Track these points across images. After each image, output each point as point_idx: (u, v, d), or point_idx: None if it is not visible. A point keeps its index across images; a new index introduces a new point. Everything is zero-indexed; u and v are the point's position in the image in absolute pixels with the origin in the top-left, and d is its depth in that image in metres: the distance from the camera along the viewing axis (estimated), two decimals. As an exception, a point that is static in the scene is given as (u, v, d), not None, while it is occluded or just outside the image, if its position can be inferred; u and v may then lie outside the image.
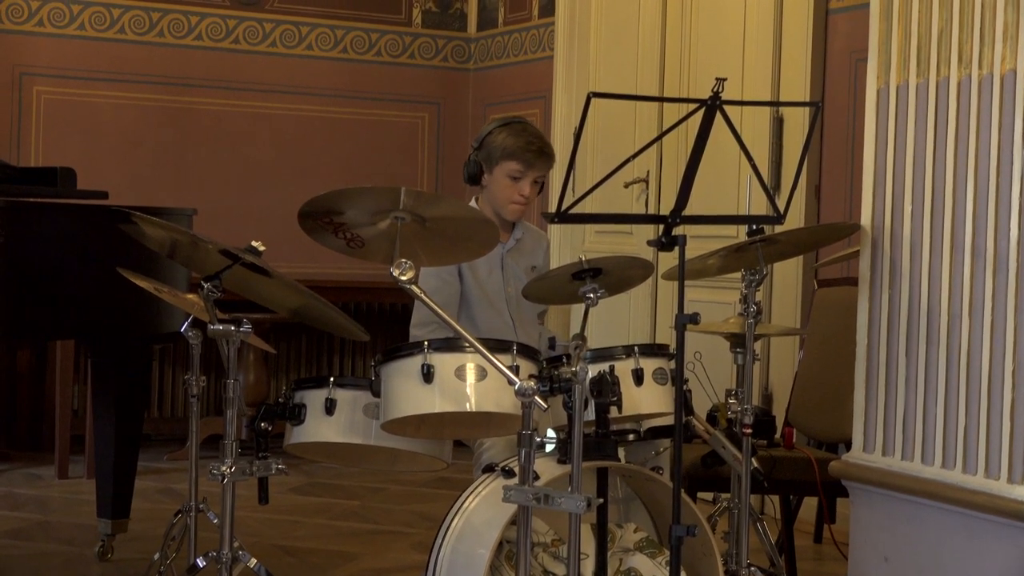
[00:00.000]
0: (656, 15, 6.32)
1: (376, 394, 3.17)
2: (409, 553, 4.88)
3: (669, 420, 3.38)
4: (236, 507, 3.26)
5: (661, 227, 3.18)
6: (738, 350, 3.62)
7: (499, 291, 3.92)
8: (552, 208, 3.19)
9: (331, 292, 4.12)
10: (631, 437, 3.49)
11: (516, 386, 2.77)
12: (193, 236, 3.29)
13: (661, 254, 3.88)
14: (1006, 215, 3.20)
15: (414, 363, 3.06)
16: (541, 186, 3.93)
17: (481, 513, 3.23)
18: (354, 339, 3.44)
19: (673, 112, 5.87)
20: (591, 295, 3.09)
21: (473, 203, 3.93)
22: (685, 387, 3.25)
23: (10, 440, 6.76)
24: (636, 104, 6.32)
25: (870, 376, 3.56)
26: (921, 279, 3.42)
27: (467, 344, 2.98)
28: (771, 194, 3.37)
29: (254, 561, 3.35)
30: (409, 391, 3.07)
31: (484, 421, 3.27)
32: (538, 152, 3.85)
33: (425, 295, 2.93)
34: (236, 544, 3.28)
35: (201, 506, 3.77)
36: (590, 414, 3.13)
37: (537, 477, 2.89)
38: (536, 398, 2.75)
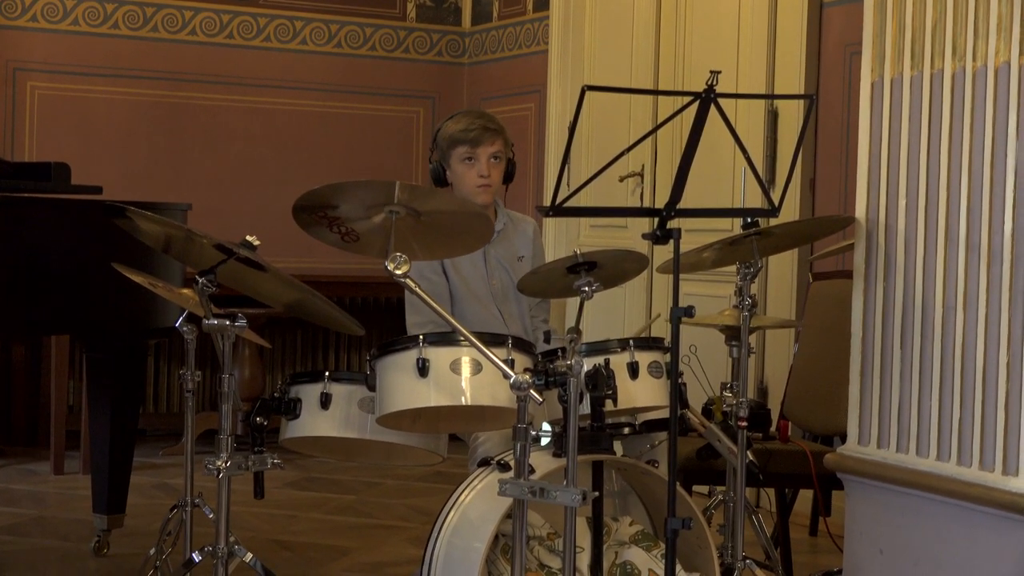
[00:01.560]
0: (650, 8, 6.32)
1: (371, 388, 3.17)
2: (405, 547, 4.88)
3: (664, 413, 3.38)
4: (232, 502, 3.26)
5: (656, 220, 3.17)
6: (733, 343, 3.63)
7: (483, 284, 3.92)
8: (547, 201, 3.19)
9: (326, 286, 4.13)
10: (626, 430, 3.49)
11: (511, 380, 2.76)
12: (188, 231, 3.29)
13: (656, 247, 3.89)
14: (1000, 208, 3.20)
15: (409, 357, 3.06)
16: (509, 165, 3.90)
17: (477, 507, 3.24)
18: (349, 333, 3.44)
19: (668, 105, 5.87)
20: (586, 288, 3.09)
21: None
22: (680, 380, 3.25)
23: (5, 436, 6.76)
24: (630, 97, 6.32)
25: (865, 369, 3.56)
26: (916, 272, 3.42)
27: (462, 338, 2.98)
28: (766, 187, 3.37)
29: (250, 556, 3.36)
30: (404, 385, 3.07)
31: (479, 415, 3.27)
32: (481, 129, 3.85)
33: (420, 289, 2.93)
34: (232, 539, 3.29)
35: (197, 501, 3.77)
36: (585, 408, 3.14)
37: (532, 471, 2.89)
38: (531, 392, 2.75)
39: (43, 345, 6.61)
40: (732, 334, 3.64)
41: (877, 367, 3.52)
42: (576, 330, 2.97)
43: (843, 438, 3.70)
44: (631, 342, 3.34)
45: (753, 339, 3.62)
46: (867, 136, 3.57)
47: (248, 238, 3.17)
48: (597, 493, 3.26)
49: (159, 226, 3.37)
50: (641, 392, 3.32)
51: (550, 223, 6.80)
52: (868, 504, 3.54)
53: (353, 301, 7.27)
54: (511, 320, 3.92)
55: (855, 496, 3.59)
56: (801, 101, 5.26)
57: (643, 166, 6.28)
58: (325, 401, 3.26)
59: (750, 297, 3.50)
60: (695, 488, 4.25)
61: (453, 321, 2.93)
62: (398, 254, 2.89)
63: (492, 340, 3.04)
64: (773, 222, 3.63)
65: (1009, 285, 3.18)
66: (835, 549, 4.26)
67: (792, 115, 5.50)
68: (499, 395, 3.02)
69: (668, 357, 3.27)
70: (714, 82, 3.06)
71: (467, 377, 3.04)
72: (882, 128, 3.53)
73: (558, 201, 3.06)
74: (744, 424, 3.48)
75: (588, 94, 2.95)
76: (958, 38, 3.32)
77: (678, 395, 3.16)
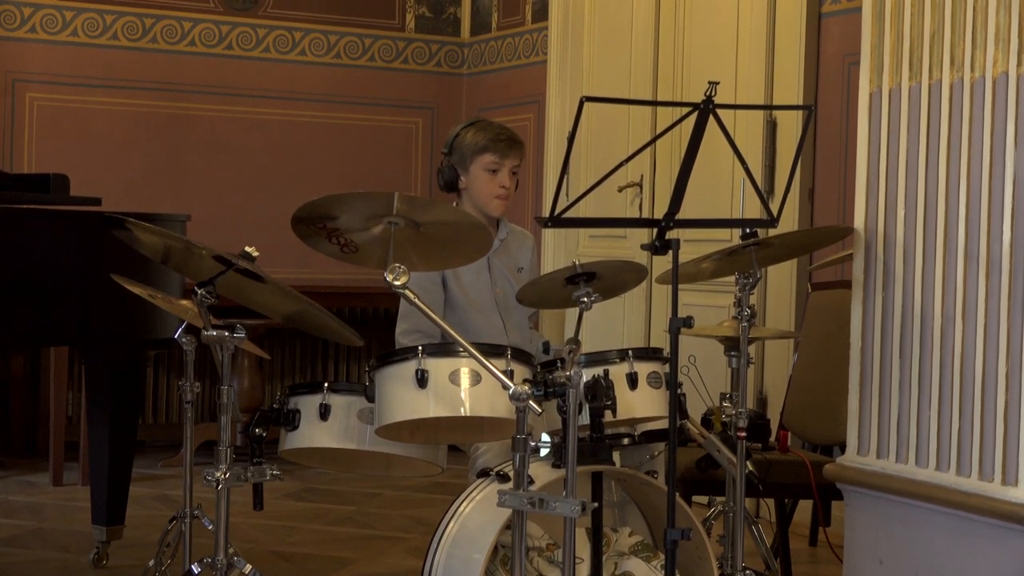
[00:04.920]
0: (649, 19, 6.33)
1: (370, 399, 3.17)
2: (404, 558, 4.87)
3: (664, 424, 3.38)
4: (231, 513, 3.26)
5: (655, 231, 3.18)
6: (732, 353, 3.62)
7: (487, 294, 3.92)
8: (546, 212, 3.19)
9: (325, 297, 4.13)
10: (626, 441, 3.49)
11: (510, 391, 2.76)
12: (187, 242, 3.29)
13: (655, 258, 3.89)
14: (999, 218, 3.20)
15: (408, 368, 3.06)
16: (516, 180, 3.96)
17: (476, 518, 3.23)
18: (348, 344, 3.44)
19: (666, 116, 5.87)
20: (585, 299, 3.09)
21: None
22: (679, 391, 3.25)
23: (4, 447, 6.75)
24: (629, 108, 6.32)
25: (864, 379, 3.56)
26: (914, 282, 3.42)
27: (461, 349, 2.98)
28: (764, 198, 3.37)
29: (249, 567, 3.35)
30: (403, 396, 3.07)
31: (478, 426, 3.27)
32: (509, 141, 3.91)
33: (419, 300, 2.93)
34: (231, 550, 3.28)
35: (196, 512, 3.76)
36: (584, 418, 3.14)
37: (532, 481, 2.89)
38: (530, 402, 2.75)
39: (42, 356, 6.60)
40: (731, 344, 3.63)
41: (876, 377, 3.52)
42: (575, 341, 2.96)
43: (842, 448, 3.70)
44: (630, 352, 3.34)
45: (752, 349, 3.62)
46: (865, 146, 3.58)
47: (247, 249, 3.17)
48: (596, 504, 3.26)
49: (158, 237, 3.37)
50: (640, 403, 3.32)
51: (549, 234, 6.80)
52: (868, 514, 3.54)
53: (352, 312, 7.27)
54: (513, 329, 3.93)
55: (855, 506, 3.59)
56: (800, 111, 5.26)
57: (642, 176, 6.28)
58: (324, 412, 3.26)
59: (749, 308, 3.50)
60: (695, 498, 4.24)
61: (452, 332, 2.92)
62: (397, 265, 2.89)
63: (491, 351, 3.04)
64: (772, 232, 3.63)
65: (1008, 295, 3.18)
66: (835, 559, 4.26)
67: (791, 125, 5.50)
68: (498, 406, 3.02)
69: (667, 368, 3.27)
70: (713, 93, 3.06)
71: (466, 388, 3.04)
72: (880, 138, 3.53)
73: (557, 212, 3.06)
74: (743, 434, 3.48)
75: (587, 104, 2.95)
76: (956, 48, 3.32)
77: (677, 405, 3.16)
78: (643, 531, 3.54)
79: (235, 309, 3.45)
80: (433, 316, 2.93)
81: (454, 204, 3.97)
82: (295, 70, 7.46)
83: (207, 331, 3.19)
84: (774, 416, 4.91)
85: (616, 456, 3.43)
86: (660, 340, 5.87)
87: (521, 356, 3.13)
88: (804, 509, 4.96)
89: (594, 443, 3.16)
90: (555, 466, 3.18)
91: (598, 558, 3.36)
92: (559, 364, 3.15)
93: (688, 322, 3.07)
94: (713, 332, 3.77)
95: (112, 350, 4.55)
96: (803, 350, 4.69)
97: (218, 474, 3.17)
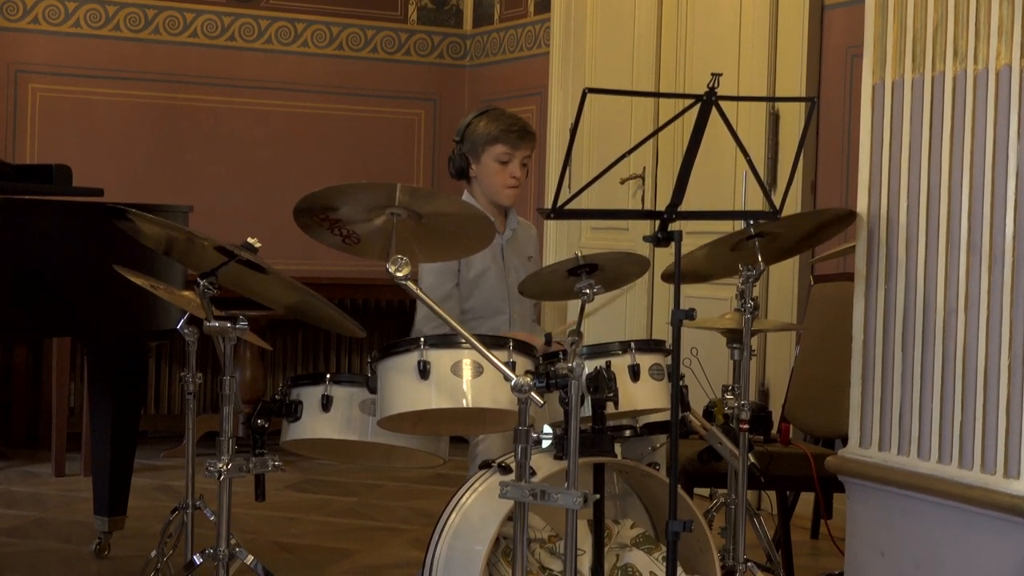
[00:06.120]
0: (652, 10, 6.33)
1: (372, 391, 3.17)
2: (406, 549, 4.88)
3: (665, 416, 3.38)
4: (233, 504, 3.27)
5: (657, 223, 3.17)
6: (734, 346, 3.62)
7: (500, 283, 3.93)
8: (548, 204, 3.19)
9: (327, 289, 4.13)
10: (627, 433, 3.49)
11: (512, 382, 2.76)
12: (189, 233, 3.29)
13: (657, 250, 3.88)
14: (1002, 210, 3.20)
15: (410, 359, 3.06)
16: (527, 170, 3.98)
17: (478, 509, 3.24)
18: (350, 336, 3.44)
19: (669, 108, 5.87)
20: (587, 291, 3.10)
21: (467, 196, 3.96)
22: (681, 383, 3.25)
23: (7, 438, 6.76)
24: (632, 100, 6.32)
25: (866, 371, 3.56)
26: (917, 274, 3.42)
27: (463, 340, 2.98)
28: (767, 190, 3.37)
29: (251, 558, 3.36)
30: (405, 387, 3.07)
31: (480, 417, 3.27)
32: (521, 131, 3.92)
33: (421, 291, 2.93)
34: (233, 541, 3.29)
35: (198, 503, 3.77)
36: (586, 410, 3.14)
37: (534, 473, 2.89)
38: (532, 394, 2.75)
39: (44, 347, 6.61)
40: (733, 337, 3.63)
41: (878, 369, 3.52)
42: (577, 332, 2.96)
43: (844, 441, 3.70)
44: (632, 344, 3.34)
45: (754, 342, 3.62)
46: (868, 139, 3.57)
47: (249, 240, 3.17)
48: (598, 496, 3.26)
49: (160, 228, 3.37)
50: (642, 394, 3.32)
51: (551, 225, 6.80)
52: (869, 507, 3.54)
53: (354, 303, 7.27)
54: (518, 320, 3.94)
55: (856, 499, 3.59)
56: (802, 103, 5.26)
57: (644, 168, 6.28)
58: (326, 403, 3.26)
59: (752, 300, 3.50)
60: (696, 491, 4.25)
61: (454, 323, 2.92)
62: (399, 256, 2.89)
63: (493, 343, 3.04)
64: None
65: (1011, 287, 3.18)
66: (836, 552, 4.26)
67: (793, 117, 5.50)
68: (500, 397, 3.02)
69: (669, 360, 3.27)
70: (715, 84, 3.06)
71: (468, 379, 3.04)
72: (883, 131, 3.53)
73: (559, 203, 3.06)
74: (745, 426, 3.48)
75: (589, 96, 2.95)
76: (959, 40, 3.31)
77: (679, 397, 3.16)
78: (645, 523, 3.55)
79: (237, 300, 3.45)
80: (434, 306, 2.93)
81: (464, 192, 3.99)
82: (297, 61, 7.46)
83: (209, 322, 3.19)
84: (776, 408, 4.91)
85: (618, 448, 3.43)
86: (662, 332, 5.87)
87: (523, 348, 3.13)
88: (806, 501, 4.96)
89: (596, 435, 3.16)
90: (557, 458, 3.18)
91: (600, 550, 3.37)
92: (561, 356, 3.16)
93: (690, 314, 3.07)
94: (715, 324, 3.77)
95: (114, 341, 4.55)
96: (805, 342, 4.69)
97: (220, 465, 3.17)
